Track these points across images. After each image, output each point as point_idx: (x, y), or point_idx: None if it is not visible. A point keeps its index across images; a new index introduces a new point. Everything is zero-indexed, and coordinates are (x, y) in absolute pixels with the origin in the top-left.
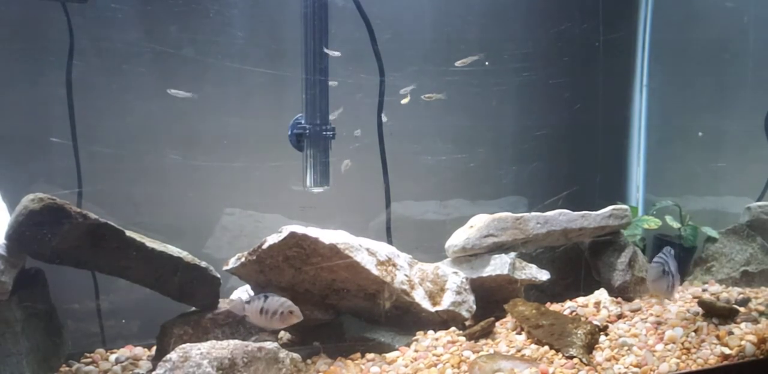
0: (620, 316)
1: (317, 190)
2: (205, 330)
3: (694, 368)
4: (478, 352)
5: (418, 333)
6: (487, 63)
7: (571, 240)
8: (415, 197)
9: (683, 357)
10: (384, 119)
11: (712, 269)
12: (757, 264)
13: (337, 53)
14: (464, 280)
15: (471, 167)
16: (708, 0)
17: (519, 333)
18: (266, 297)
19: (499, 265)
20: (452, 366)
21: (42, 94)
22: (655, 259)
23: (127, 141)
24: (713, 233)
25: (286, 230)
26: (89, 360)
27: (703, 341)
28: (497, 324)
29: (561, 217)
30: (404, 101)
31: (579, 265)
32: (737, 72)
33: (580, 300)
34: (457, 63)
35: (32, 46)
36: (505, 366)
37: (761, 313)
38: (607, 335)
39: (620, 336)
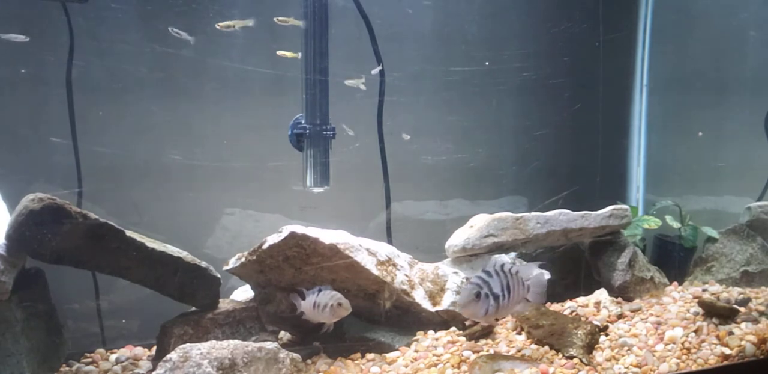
0: (620, 316)
1: (317, 190)
2: (205, 330)
3: (694, 368)
4: (478, 352)
5: (418, 333)
6: (487, 63)
7: (571, 240)
8: (415, 197)
9: (683, 357)
10: (407, 137)
11: (712, 269)
12: (757, 264)
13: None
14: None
15: (471, 167)
16: (708, 0)
17: (519, 333)
18: (319, 291)
19: None
20: (452, 366)
21: (42, 94)
22: (472, 278)
23: (127, 141)
24: (713, 233)
25: (286, 230)
26: (89, 360)
27: (703, 341)
28: (497, 324)
29: (561, 217)
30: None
31: (579, 265)
32: (737, 72)
33: (581, 299)
34: (347, 82)
35: (32, 46)
36: (505, 366)
37: (761, 313)
38: (607, 335)
39: (620, 336)
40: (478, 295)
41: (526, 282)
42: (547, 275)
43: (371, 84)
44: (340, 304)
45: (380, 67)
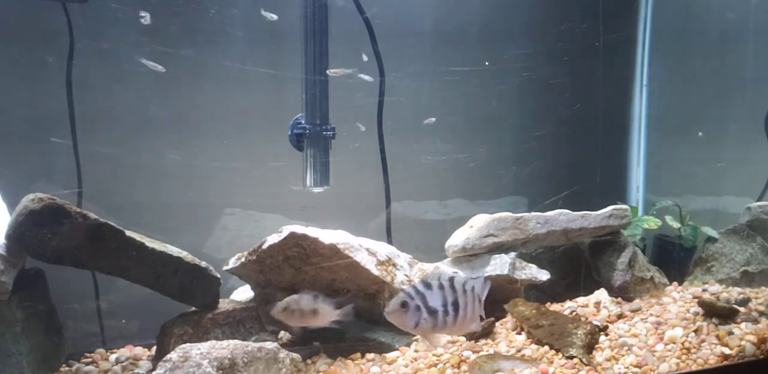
0: (620, 316)
1: (317, 190)
2: (205, 330)
3: (694, 368)
4: (478, 352)
5: None
6: (487, 63)
7: (571, 240)
8: (415, 197)
9: (683, 357)
10: (432, 120)
11: (712, 269)
12: (757, 264)
13: None
14: None
15: (471, 167)
16: (708, 0)
17: (519, 333)
18: (315, 297)
19: (499, 265)
20: (452, 366)
21: (42, 94)
22: (406, 287)
23: (127, 141)
24: (713, 233)
25: (286, 230)
26: (89, 360)
27: (703, 341)
28: (497, 324)
29: (561, 217)
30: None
31: (579, 265)
32: (737, 72)
33: (580, 299)
34: (330, 72)
35: (32, 46)
36: (505, 366)
37: (761, 313)
38: (607, 335)
39: (620, 336)
40: (403, 305)
41: (482, 297)
42: (546, 275)
43: (371, 84)
44: (314, 310)
45: (335, 70)
